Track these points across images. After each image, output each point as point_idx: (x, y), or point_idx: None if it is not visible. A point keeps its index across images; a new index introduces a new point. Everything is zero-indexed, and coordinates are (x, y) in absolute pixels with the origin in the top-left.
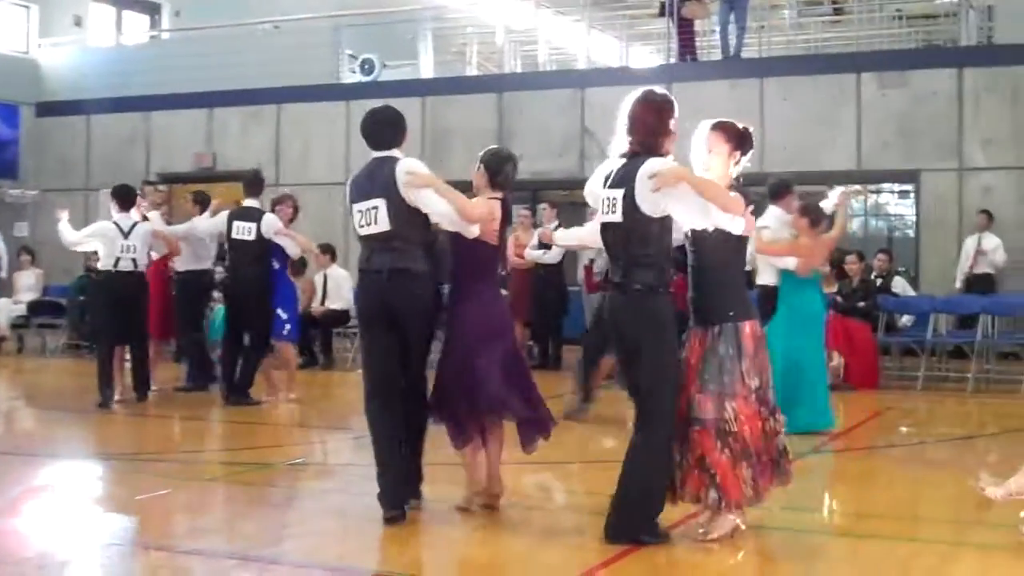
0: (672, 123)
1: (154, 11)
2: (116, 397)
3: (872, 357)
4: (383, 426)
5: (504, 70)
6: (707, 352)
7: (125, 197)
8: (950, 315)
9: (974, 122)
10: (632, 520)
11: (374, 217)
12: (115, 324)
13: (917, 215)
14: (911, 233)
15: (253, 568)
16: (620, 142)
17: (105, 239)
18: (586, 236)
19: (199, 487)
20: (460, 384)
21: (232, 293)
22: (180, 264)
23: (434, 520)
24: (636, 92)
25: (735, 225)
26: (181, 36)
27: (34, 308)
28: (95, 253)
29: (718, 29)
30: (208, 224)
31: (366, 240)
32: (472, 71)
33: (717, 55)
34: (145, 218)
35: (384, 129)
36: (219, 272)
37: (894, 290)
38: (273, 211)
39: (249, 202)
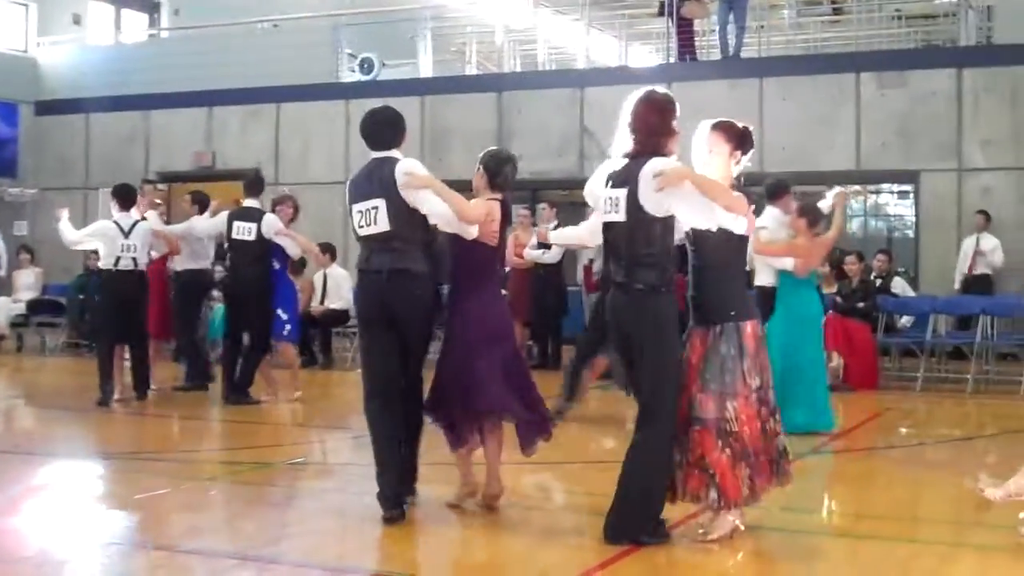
0: (675, 123)
1: (153, 10)
2: (116, 396)
3: (871, 358)
4: (383, 426)
5: (503, 69)
6: (708, 351)
7: (125, 196)
8: (949, 316)
9: (973, 122)
10: (632, 520)
11: (374, 217)
12: (115, 323)
13: (916, 215)
14: (910, 234)
15: (252, 567)
16: (622, 142)
17: (105, 238)
18: (582, 235)
19: (198, 486)
20: (458, 385)
21: (232, 293)
22: (178, 264)
23: (433, 520)
24: (638, 92)
25: (738, 225)
26: (180, 35)
27: (33, 307)
28: (95, 252)
29: (717, 29)
30: (208, 224)
31: (365, 240)
32: (471, 70)
33: (716, 55)
34: (143, 218)
35: (383, 129)
36: (218, 271)
37: (893, 291)
38: (273, 211)
39: (249, 202)
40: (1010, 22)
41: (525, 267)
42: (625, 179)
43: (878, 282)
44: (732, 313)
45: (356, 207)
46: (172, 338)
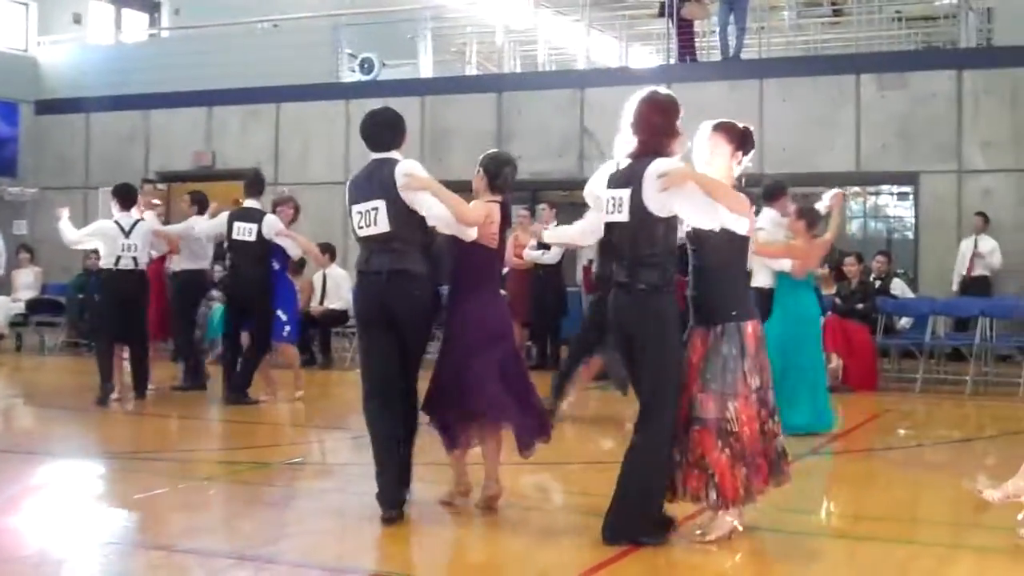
0: (678, 123)
1: (153, 9)
2: (114, 396)
3: (871, 359)
4: (382, 426)
5: (503, 70)
6: (709, 352)
7: (126, 196)
8: (948, 317)
9: (973, 124)
10: (630, 521)
11: (373, 218)
12: (115, 322)
13: (916, 217)
14: (910, 235)
15: (250, 567)
16: (625, 142)
17: (106, 238)
18: (573, 235)
19: (197, 486)
20: (456, 387)
21: (233, 294)
22: (176, 264)
23: (432, 520)
24: (641, 92)
25: (740, 225)
26: (180, 34)
27: (33, 306)
28: (94, 252)
29: (718, 30)
30: (208, 225)
31: (365, 241)
32: (471, 71)
33: (716, 56)
34: (143, 218)
35: (383, 131)
36: (217, 271)
37: (893, 292)
38: (274, 212)
39: (250, 203)
40: (1010, 24)
41: (524, 268)
42: (628, 179)
43: (877, 283)
44: (733, 313)
45: (356, 208)
46: (170, 338)
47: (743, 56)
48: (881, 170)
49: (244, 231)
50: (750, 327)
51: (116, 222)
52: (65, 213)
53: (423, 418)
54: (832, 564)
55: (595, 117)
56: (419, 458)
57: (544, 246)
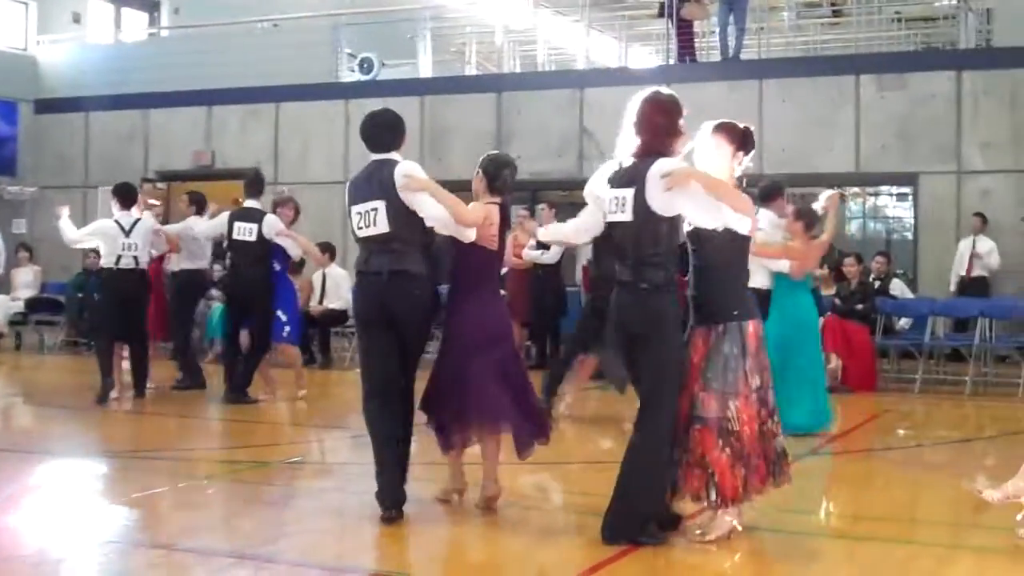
0: (681, 123)
1: (153, 8)
2: (114, 394)
3: (870, 359)
4: (382, 426)
5: (503, 70)
6: (711, 351)
7: (126, 195)
8: (948, 318)
9: (972, 125)
10: (630, 521)
11: (373, 219)
12: (116, 321)
13: (915, 218)
14: (909, 236)
15: (250, 566)
16: (628, 142)
17: (106, 237)
18: (567, 233)
19: (196, 485)
20: (453, 389)
21: (233, 294)
22: (175, 264)
23: (431, 520)
24: (644, 92)
25: (743, 225)
26: (180, 34)
27: (32, 305)
28: (93, 251)
29: (717, 30)
30: (208, 226)
31: (364, 242)
32: (471, 71)
33: (716, 56)
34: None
35: (383, 132)
36: (217, 270)
37: (892, 293)
38: (274, 213)
39: (250, 203)
40: (1009, 25)
41: (524, 267)
42: (631, 179)
43: (877, 284)
44: (735, 313)
45: (355, 209)
46: (168, 337)
47: (743, 56)
48: (880, 171)
49: (245, 231)
50: (751, 326)
51: (116, 221)
52: (65, 212)
53: (420, 418)
54: (831, 564)
55: (594, 117)
56: (417, 457)
57: (543, 246)
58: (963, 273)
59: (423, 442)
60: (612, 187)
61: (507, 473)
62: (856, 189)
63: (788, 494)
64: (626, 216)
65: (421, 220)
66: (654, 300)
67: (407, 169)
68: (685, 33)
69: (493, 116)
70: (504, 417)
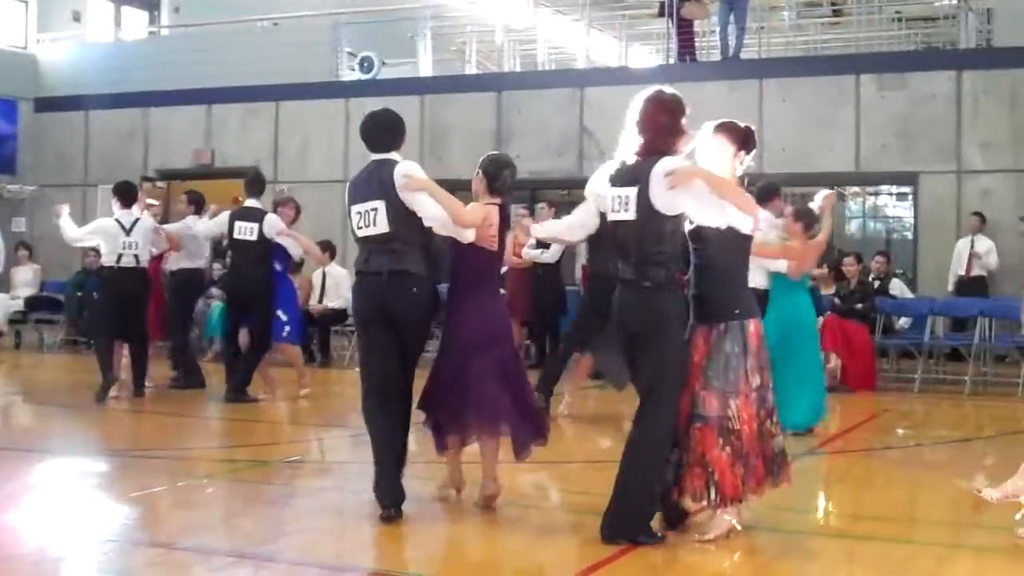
0: (684, 122)
1: (153, 7)
2: (113, 393)
3: (869, 359)
4: (381, 425)
5: (503, 69)
6: (712, 350)
7: (127, 194)
8: (947, 317)
9: (973, 125)
10: (629, 520)
11: (373, 219)
12: (116, 320)
13: (915, 217)
14: (909, 235)
15: (249, 565)
16: (630, 141)
17: (107, 236)
18: (563, 229)
19: (195, 484)
20: (453, 388)
21: (233, 293)
22: (173, 263)
23: (431, 518)
24: (646, 91)
25: (745, 223)
26: (180, 32)
27: (31, 303)
28: (93, 250)
29: (717, 30)
30: (208, 226)
31: (364, 242)
32: (471, 70)
33: (716, 56)
34: None
35: (383, 132)
36: (217, 269)
37: (892, 292)
38: (275, 212)
39: (251, 202)
40: (1009, 25)
41: (523, 267)
42: (635, 178)
43: (876, 283)
44: (736, 311)
45: (355, 208)
46: (167, 337)
47: (743, 56)
48: (880, 170)
49: (245, 230)
50: (752, 326)
51: (117, 220)
52: (65, 210)
53: (418, 416)
54: (830, 563)
55: (595, 116)
56: (417, 456)
57: (543, 245)
58: (962, 273)
59: (422, 441)
60: (614, 186)
61: (506, 472)
62: (856, 189)
63: (787, 493)
64: (629, 215)
65: (421, 220)
66: (657, 299)
67: (406, 169)
68: (685, 32)
69: (493, 115)
70: (503, 418)
